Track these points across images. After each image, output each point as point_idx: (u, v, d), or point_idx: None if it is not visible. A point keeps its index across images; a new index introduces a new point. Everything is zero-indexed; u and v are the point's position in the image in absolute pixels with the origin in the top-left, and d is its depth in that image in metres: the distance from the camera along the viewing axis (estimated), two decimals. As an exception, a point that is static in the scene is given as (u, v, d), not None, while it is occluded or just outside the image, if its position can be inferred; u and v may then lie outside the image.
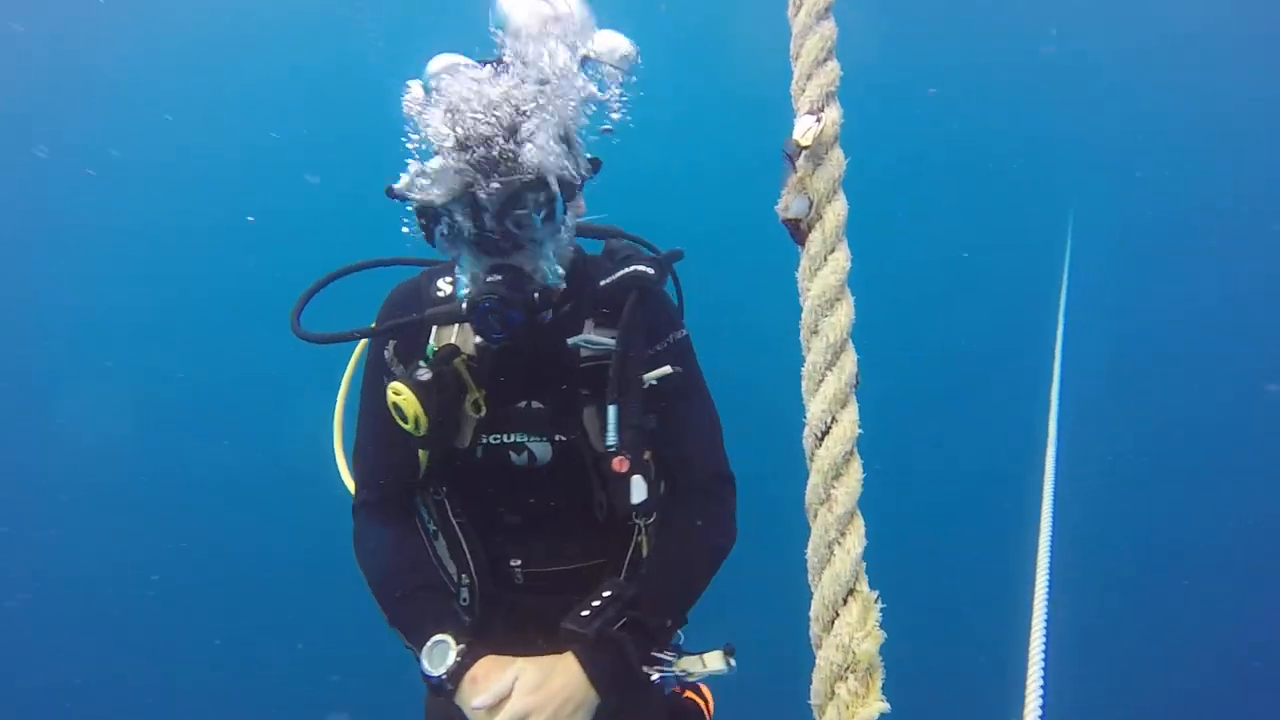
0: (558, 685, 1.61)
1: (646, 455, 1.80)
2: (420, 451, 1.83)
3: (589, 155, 1.75)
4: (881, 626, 0.72)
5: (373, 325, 1.89)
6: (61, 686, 5.76)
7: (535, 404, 1.83)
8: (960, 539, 6.65)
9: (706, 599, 1.90)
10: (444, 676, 1.63)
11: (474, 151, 1.50)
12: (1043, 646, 1.15)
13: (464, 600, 1.94)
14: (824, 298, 0.78)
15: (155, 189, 7.60)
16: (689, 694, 2.20)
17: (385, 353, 1.84)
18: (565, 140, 1.61)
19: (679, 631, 1.94)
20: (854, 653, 0.71)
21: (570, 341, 1.78)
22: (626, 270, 1.80)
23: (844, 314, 0.78)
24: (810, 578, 0.75)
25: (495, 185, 1.50)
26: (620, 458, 1.71)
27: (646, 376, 1.79)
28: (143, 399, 6.84)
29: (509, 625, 1.95)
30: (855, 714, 0.70)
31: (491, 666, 1.64)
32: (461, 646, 1.66)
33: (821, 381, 0.77)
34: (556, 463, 1.85)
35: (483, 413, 1.80)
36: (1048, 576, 1.28)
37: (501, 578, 1.96)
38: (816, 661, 0.73)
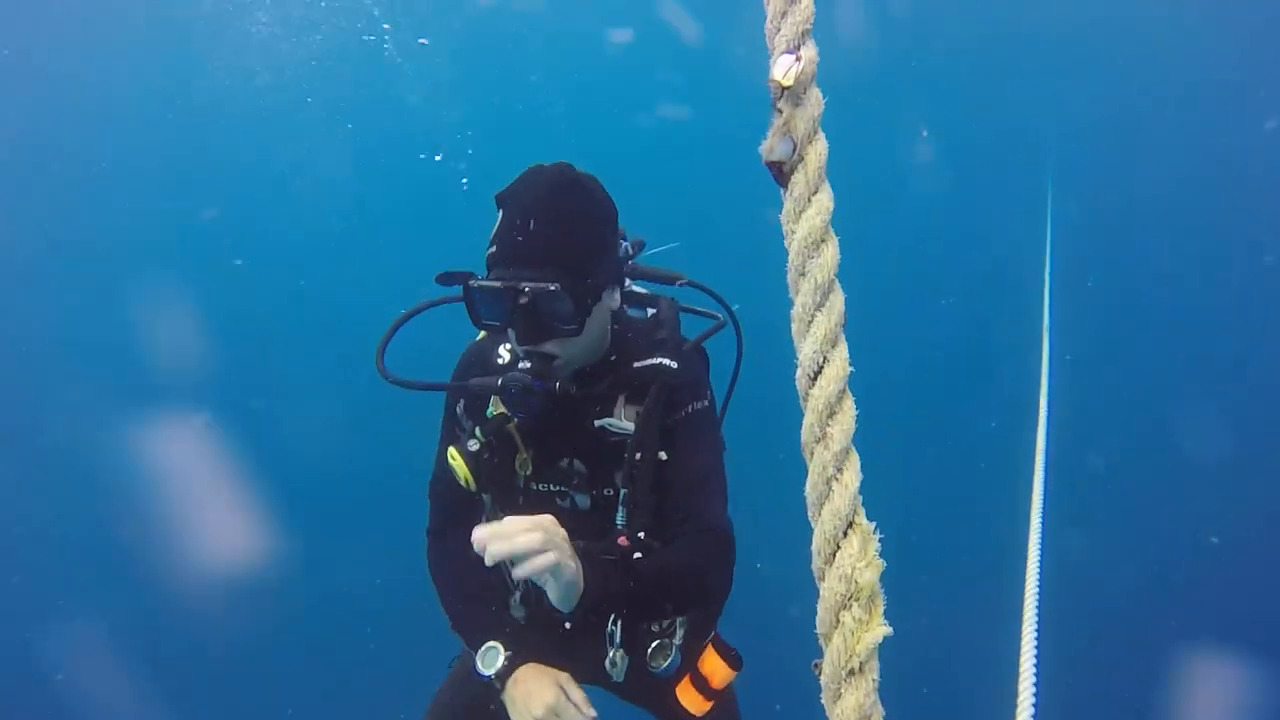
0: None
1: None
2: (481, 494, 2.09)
3: (628, 242, 2.04)
4: (882, 555, 0.75)
5: (450, 379, 2.12)
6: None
7: (577, 463, 2.03)
8: (946, 535, 6.80)
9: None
10: (493, 676, 1.95)
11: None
12: (1034, 645, 1.18)
13: (517, 604, 2.19)
14: (809, 239, 0.79)
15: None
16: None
17: (457, 408, 2.11)
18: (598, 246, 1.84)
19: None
20: (856, 582, 0.74)
21: (597, 424, 1.98)
22: (653, 361, 1.98)
23: (830, 255, 0.78)
24: (810, 514, 0.77)
25: (524, 288, 1.73)
26: (624, 536, 1.93)
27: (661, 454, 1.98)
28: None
29: (549, 631, 2.10)
30: (860, 639, 0.73)
31: (532, 673, 1.94)
32: (509, 653, 1.97)
33: (811, 322, 0.78)
34: (594, 509, 2.06)
35: (529, 471, 2.04)
36: (1038, 580, 1.30)
37: (545, 597, 2.14)
38: (821, 593, 0.76)
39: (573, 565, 1.69)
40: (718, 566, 1.98)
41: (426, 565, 2.21)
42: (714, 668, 2.09)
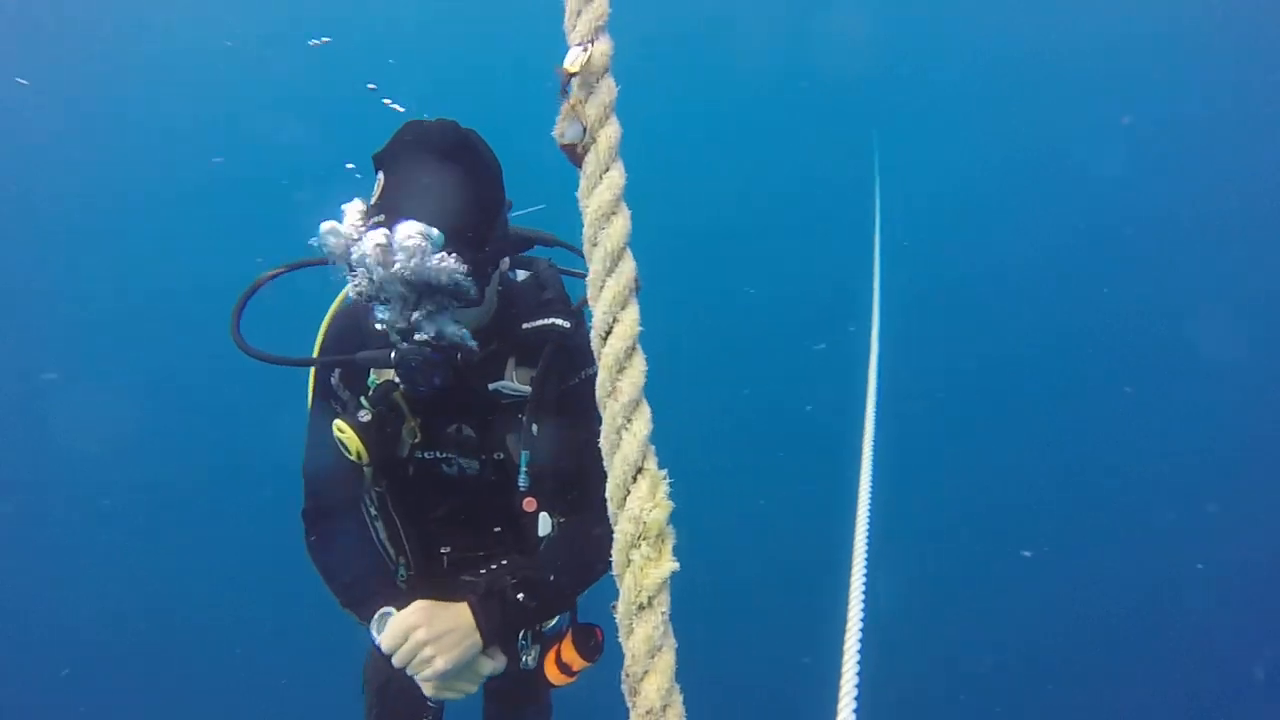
0: (448, 615, 1.84)
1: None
2: (363, 466, 2.02)
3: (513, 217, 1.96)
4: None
5: (316, 349, 2.05)
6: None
7: (465, 428, 2.03)
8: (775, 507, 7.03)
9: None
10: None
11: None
12: (860, 621, 1.25)
13: (401, 577, 2.20)
14: (601, 212, 0.85)
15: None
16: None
17: (332, 380, 2.03)
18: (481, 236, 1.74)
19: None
20: (645, 522, 0.80)
21: (491, 387, 1.98)
22: (545, 322, 1.98)
23: (620, 225, 0.86)
24: (605, 462, 0.83)
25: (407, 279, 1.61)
26: (529, 498, 1.97)
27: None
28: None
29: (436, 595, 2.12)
30: (648, 575, 0.79)
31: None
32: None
33: (603, 287, 0.84)
34: (482, 473, 2.08)
35: (418, 438, 2.02)
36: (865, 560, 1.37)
37: (433, 560, 2.21)
38: (615, 536, 0.81)
39: (462, 650, 1.81)
40: (608, 545, 2.00)
41: (307, 548, 2.11)
42: (572, 657, 2.11)
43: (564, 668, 2.09)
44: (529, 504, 1.98)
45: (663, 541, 0.80)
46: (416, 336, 1.73)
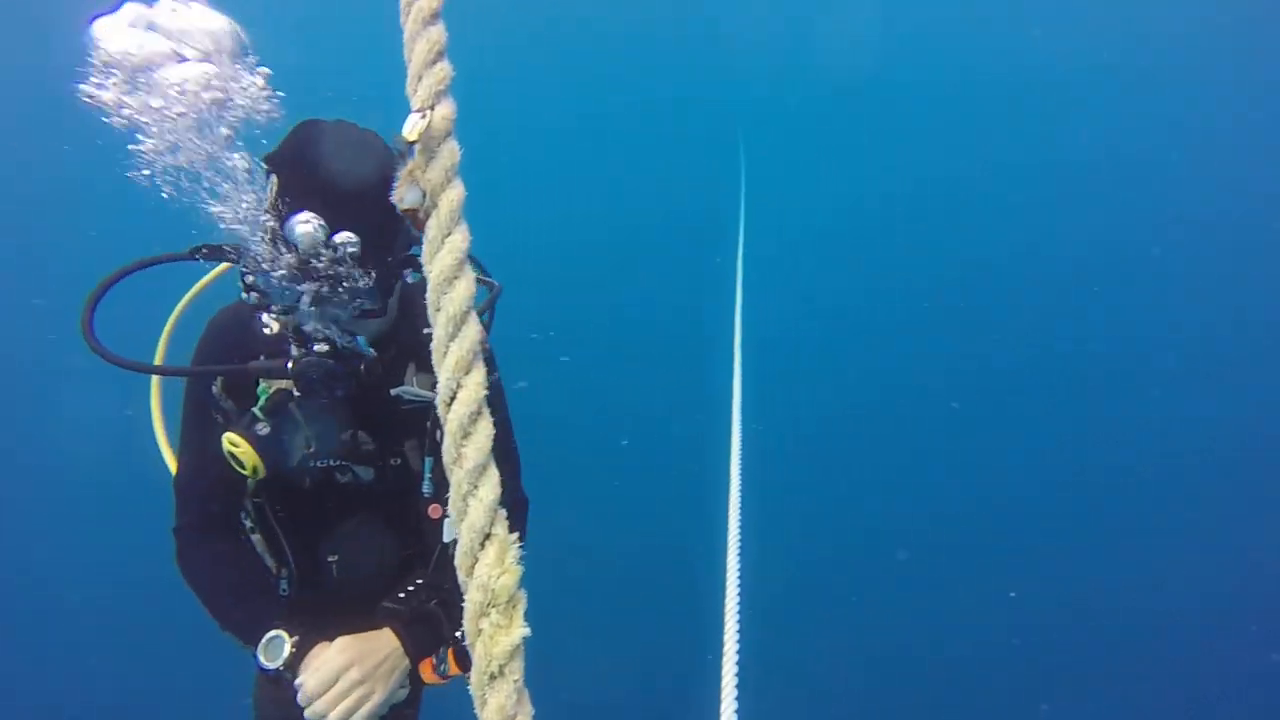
0: (374, 646, 1.82)
1: None
2: (246, 478, 1.91)
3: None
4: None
5: (197, 356, 1.95)
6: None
7: (362, 435, 1.96)
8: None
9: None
10: (282, 668, 1.79)
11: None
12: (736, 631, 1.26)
13: (283, 590, 2.10)
14: (443, 276, 0.85)
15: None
16: None
17: (213, 389, 1.90)
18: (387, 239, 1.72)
19: None
20: (493, 589, 0.79)
21: (393, 392, 1.91)
22: None
23: (463, 289, 0.86)
24: (455, 529, 0.82)
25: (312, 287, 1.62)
26: (435, 505, 1.95)
27: None
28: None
29: (325, 613, 2.03)
30: (498, 643, 0.78)
31: (320, 650, 1.81)
32: (295, 638, 1.81)
33: (446, 353, 0.84)
34: (378, 481, 2.02)
35: (313, 449, 1.91)
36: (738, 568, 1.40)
37: (320, 571, 2.11)
38: (465, 605, 0.80)
39: (396, 678, 1.82)
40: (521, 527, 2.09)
41: (180, 567, 2.00)
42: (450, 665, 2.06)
43: (442, 674, 2.06)
44: (434, 510, 1.96)
45: (513, 608, 0.80)
46: (316, 348, 1.70)
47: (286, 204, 1.61)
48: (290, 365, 1.71)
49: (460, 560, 0.81)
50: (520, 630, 0.79)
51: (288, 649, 1.80)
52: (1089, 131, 11.56)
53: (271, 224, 1.61)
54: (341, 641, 1.80)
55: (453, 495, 0.82)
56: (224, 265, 2.05)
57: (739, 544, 1.33)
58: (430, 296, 0.86)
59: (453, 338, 0.84)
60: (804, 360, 9.11)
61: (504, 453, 2.10)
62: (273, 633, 1.82)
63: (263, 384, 1.84)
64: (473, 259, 2.33)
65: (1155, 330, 9.96)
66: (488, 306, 2.07)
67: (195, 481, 1.98)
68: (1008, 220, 11.03)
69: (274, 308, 1.71)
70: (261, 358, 1.79)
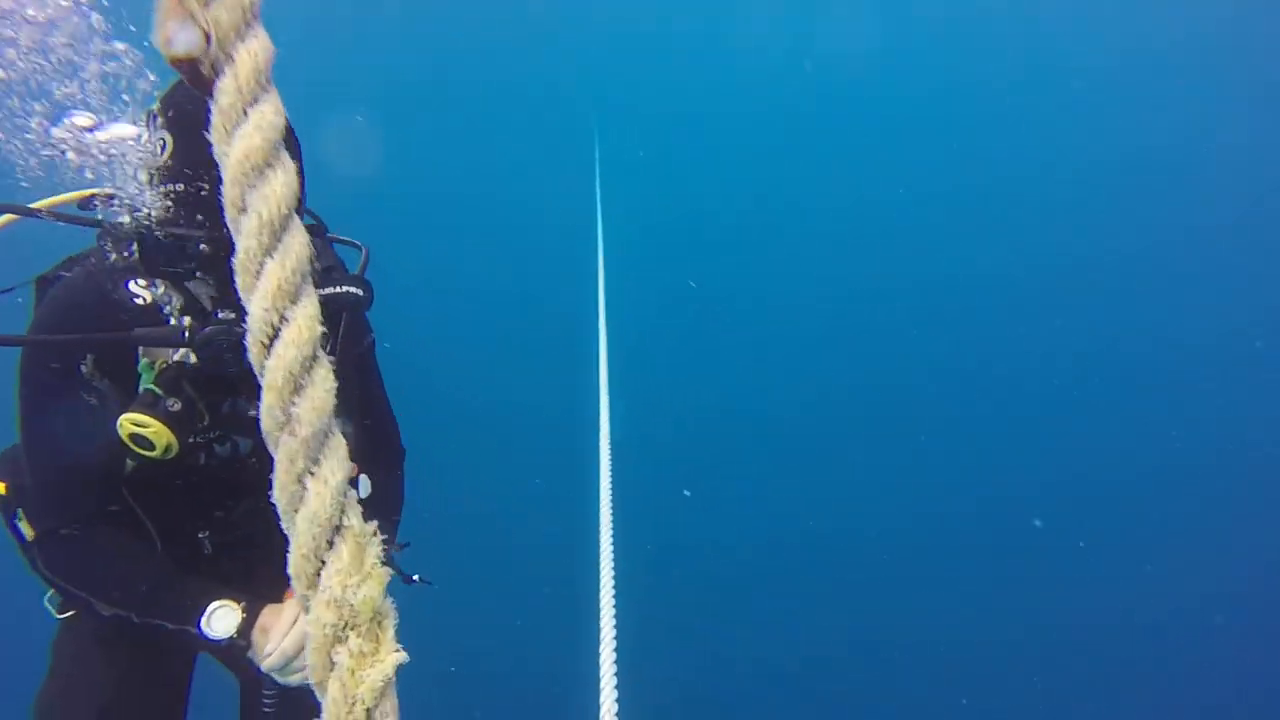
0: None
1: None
2: (127, 460, 1.80)
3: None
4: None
5: (40, 329, 1.78)
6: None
7: (241, 402, 1.88)
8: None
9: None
10: (235, 636, 1.74)
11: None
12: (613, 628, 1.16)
13: (207, 543, 2.04)
14: (249, 164, 0.59)
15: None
16: None
17: (82, 367, 1.74)
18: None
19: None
20: (351, 605, 0.56)
21: None
22: (338, 290, 1.92)
23: (280, 183, 0.59)
24: (285, 525, 0.58)
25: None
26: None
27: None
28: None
29: (235, 558, 2.08)
30: (364, 678, 0.55)
31: (274, 614, 1.77)
32: (243, 604, 1.77)
33: (260, 273, 0.58)
34: (258, 450, 1.94)
35: (205, 421, 1.81)
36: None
37: (191, 547, 2.02)
38: (308, 630, 0.57)
39: None
40: (401, 479, 2.30)
41: (63, 570, 1.87)
42: None
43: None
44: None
45: (379, 627, 0.57)
46: (219, 315, 1.64)
47: (183, 167, 1.58)
48: (191, 334, 1.64)
49: (296, 567, 0.57)
50: (393, 657, 0.57)
51: (238, 617, 1.76)
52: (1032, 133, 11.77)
53: (174, 188, 1.57)
54: (290, 602, 1.79)
55: (279, 477, 0.57)
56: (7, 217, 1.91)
57: (611, 529, 1.22)
58: (229, 191, 0.59)
59: (269, 251, 0.58)
60: (681, 352, 9.05)
61: (388, 403, 2.24)
62: (216, 603, 1.77)
63: (143, 358, 1.75)
64: (312, 213, 2.07)
65: (1120, 331, 10.12)
66: (360, 273, 2.05)
67: (72, 474, 1.83)
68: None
69: (164, 271, 1.62)
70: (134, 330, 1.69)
